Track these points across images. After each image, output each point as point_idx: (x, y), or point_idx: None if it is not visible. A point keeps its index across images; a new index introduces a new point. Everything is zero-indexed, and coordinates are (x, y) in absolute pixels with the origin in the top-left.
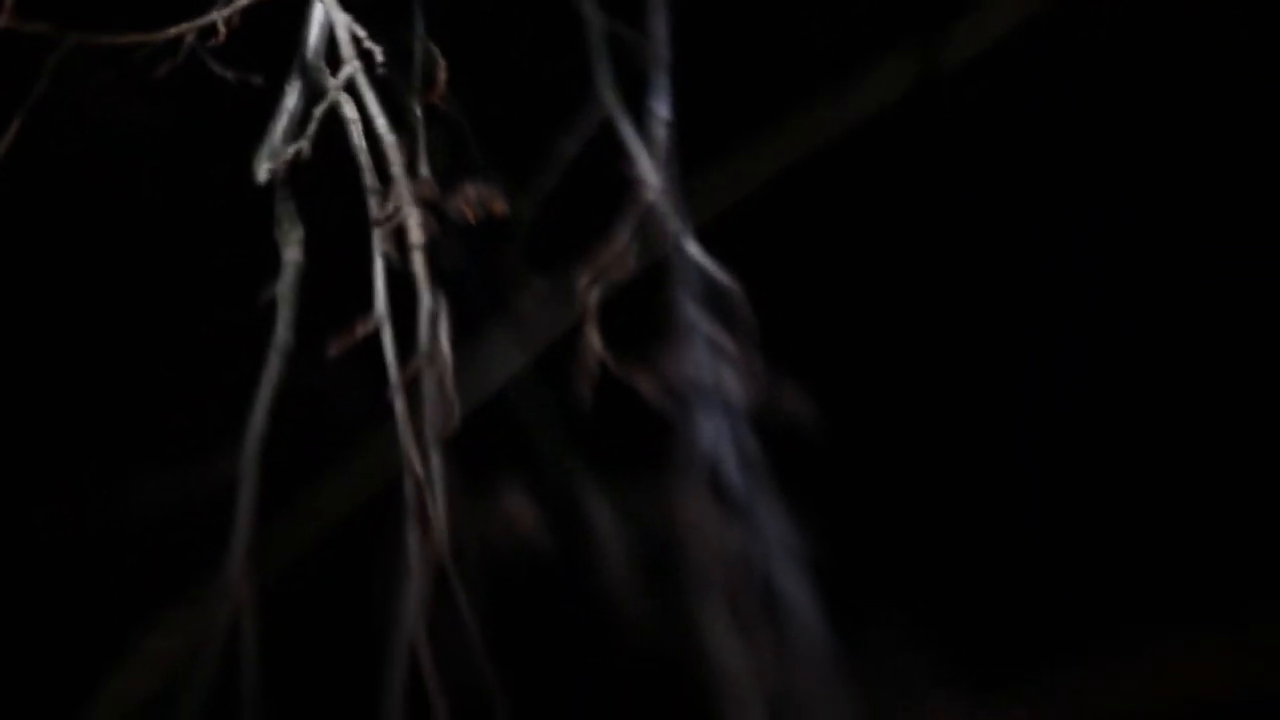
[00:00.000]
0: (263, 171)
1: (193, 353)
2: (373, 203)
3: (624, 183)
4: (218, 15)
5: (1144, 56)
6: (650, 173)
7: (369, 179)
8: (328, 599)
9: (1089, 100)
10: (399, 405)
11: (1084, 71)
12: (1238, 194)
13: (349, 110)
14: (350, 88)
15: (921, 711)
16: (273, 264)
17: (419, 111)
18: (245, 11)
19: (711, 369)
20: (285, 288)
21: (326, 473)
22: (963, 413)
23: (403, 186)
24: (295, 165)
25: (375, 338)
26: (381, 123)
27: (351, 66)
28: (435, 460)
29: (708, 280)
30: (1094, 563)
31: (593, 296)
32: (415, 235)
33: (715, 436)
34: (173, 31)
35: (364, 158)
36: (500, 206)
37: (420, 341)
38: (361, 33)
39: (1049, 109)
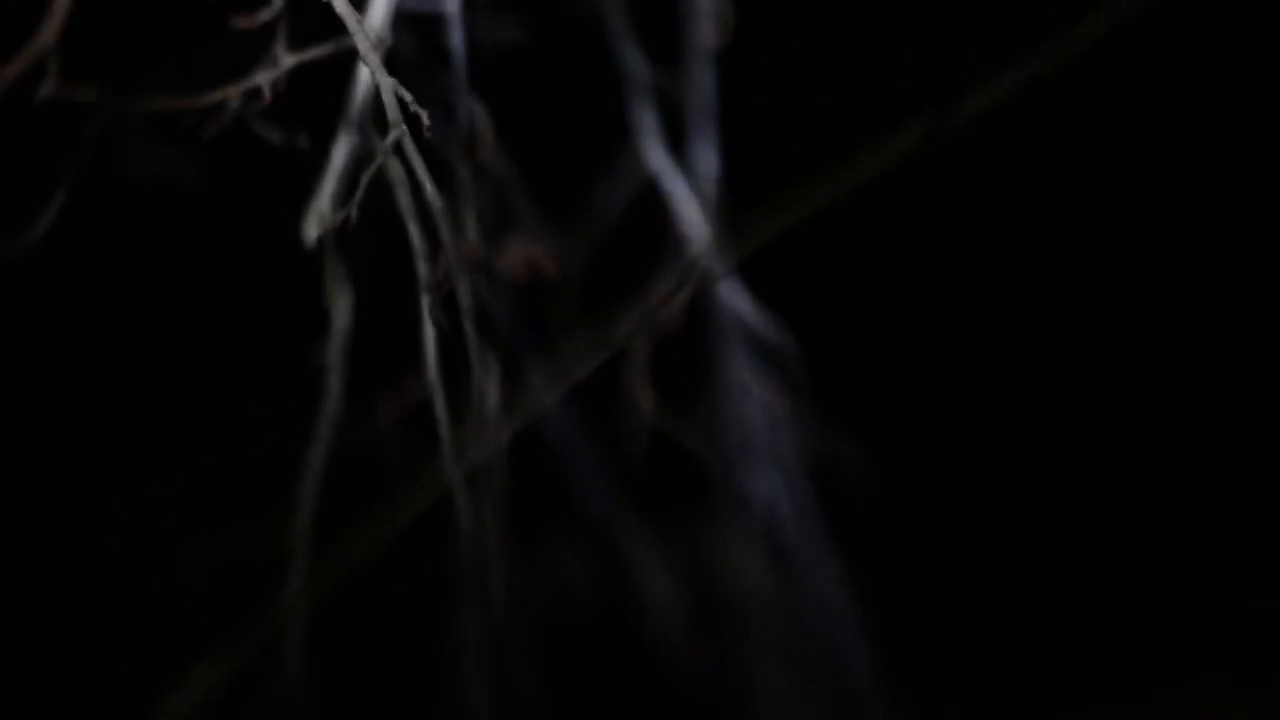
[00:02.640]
0: (311, 235)
1: (244, 416)
2: (422, 267)
3: (671, 234)
4: (263, 79)
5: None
6: (696, 228)
7: (417, 243)
8: (369, 646)
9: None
10: (451, 469)
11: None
12: (1242, 249)
13: (396, 173)
14: (398, 150)
15: None
16: (321, 329)
17: (466, 172)
18: (291, 75)
19: (762, 422)
20: (334, 353)
21: (369, 529)
22: (1014, 452)
23: (451, 250)
24: (343, 229)
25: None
26: (429, 186)
27: (398, 130)
28: (491, 527)
29: (756, 332)
30: (1113, 610)
31: (640, 349)
32: (465, 300)
33: (768, 490)
34: (217, 96)
35: (412, 221)
36: (548, 265)
37: (472, 407)
38: (408, 96)
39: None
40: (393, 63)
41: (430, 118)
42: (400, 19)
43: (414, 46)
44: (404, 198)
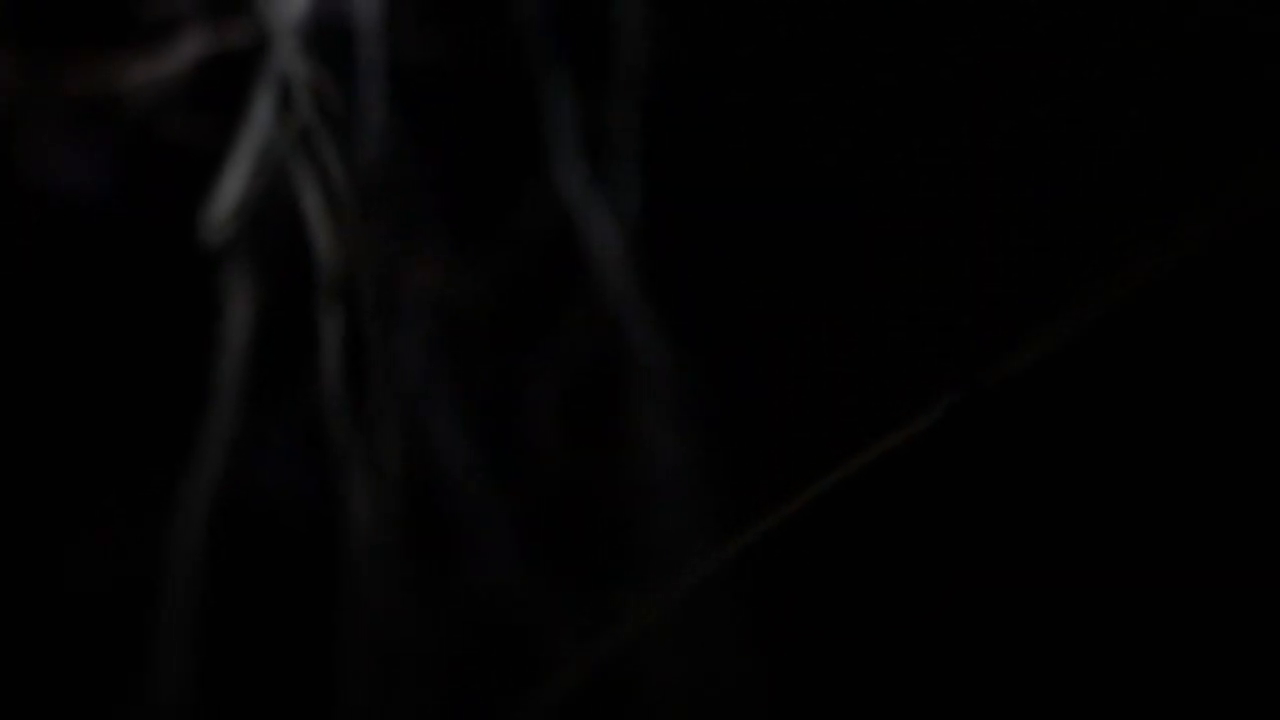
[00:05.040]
0: (211, 233)
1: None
2: (323, 267)
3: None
4: (173, 69)
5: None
6: (611, 257)
7: (321, 241)
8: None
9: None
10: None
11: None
12: None
13: (301, 169)
14: (305, 145)
15: None
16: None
17: (374, 176)
18: (198, 66)
19: (672, 463)
20: (233, 355)
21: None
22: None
23: (356, 249)
24: (248, 228)
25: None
26: (337, 182)
27: (307, 118)
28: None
29: (668, 369)
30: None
31: (549, 382)
32: (368, 299)
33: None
34: (121, 86)
35: (316, 219)
36: (455, 283)
37: (369, 413)
38: (320, 88)
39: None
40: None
41: (344, 113)
42: (318, 32)
43: (330, 60)
44: (309, 194)
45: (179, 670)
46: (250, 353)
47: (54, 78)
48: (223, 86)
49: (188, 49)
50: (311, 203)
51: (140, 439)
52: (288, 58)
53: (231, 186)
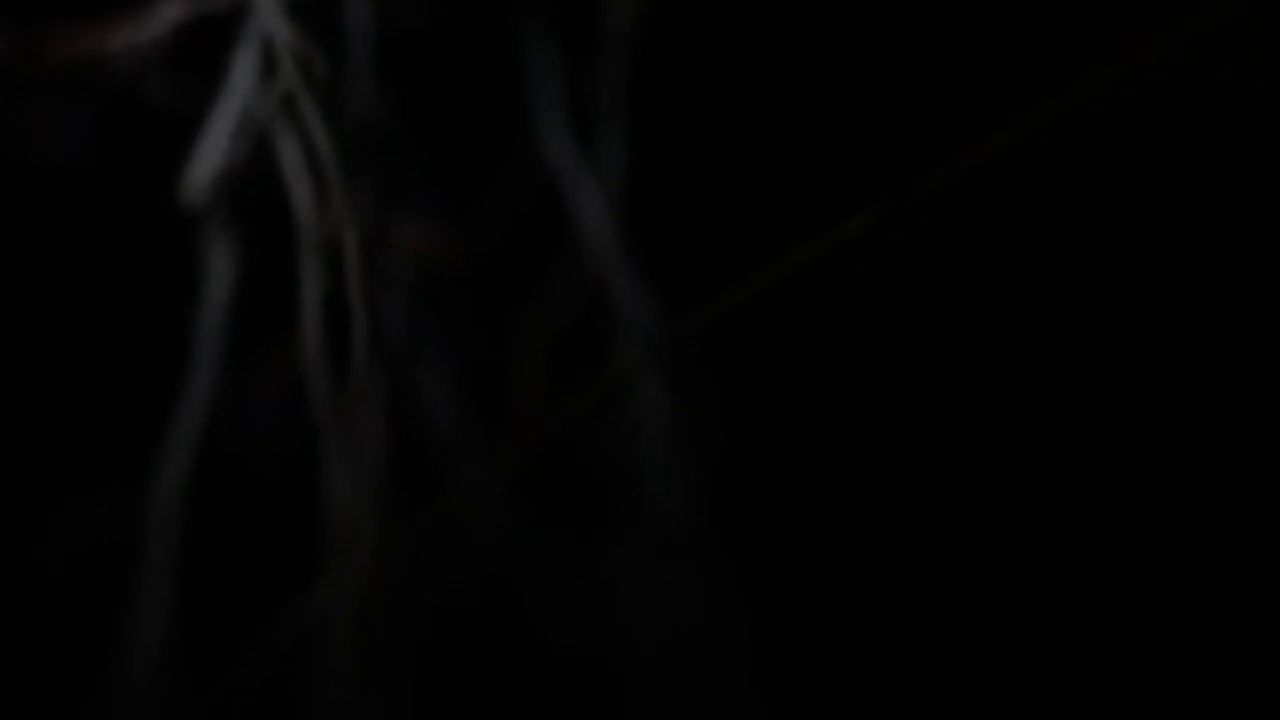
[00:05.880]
0: (191, 196)
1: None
2: (306, 228)
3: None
4: (153, 33)
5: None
6: (597, 223)
7: (304, 203)
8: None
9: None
10: (329, 439)
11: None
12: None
13: (284, 131)
14: (288, 108)
15: None
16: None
17: (358, 137)
18: (179, 29)
19: (658, 427)
20: (211, 320)
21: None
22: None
23: (340, 212)
24: (230, 191)
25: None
26: (320, 145)
27: (291, 81)
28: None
29: (655, 337)
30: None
31: (534, 349)
32: (352, 261)
33: (662, 497)
34: (103, 49)
35: (299, 181)
36: (440, 247)
37: (353, 375)
38: (303, 49)
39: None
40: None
41: (328, 76)
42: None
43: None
44: (292, 157)
45: (159, 630)
46: (231, 314)
47: (35, 42)
48: (205, 49)
49: (169, 11)
50: (294, 165)
51: (121, 401)
52: (270, 19)
53: (213, 149)
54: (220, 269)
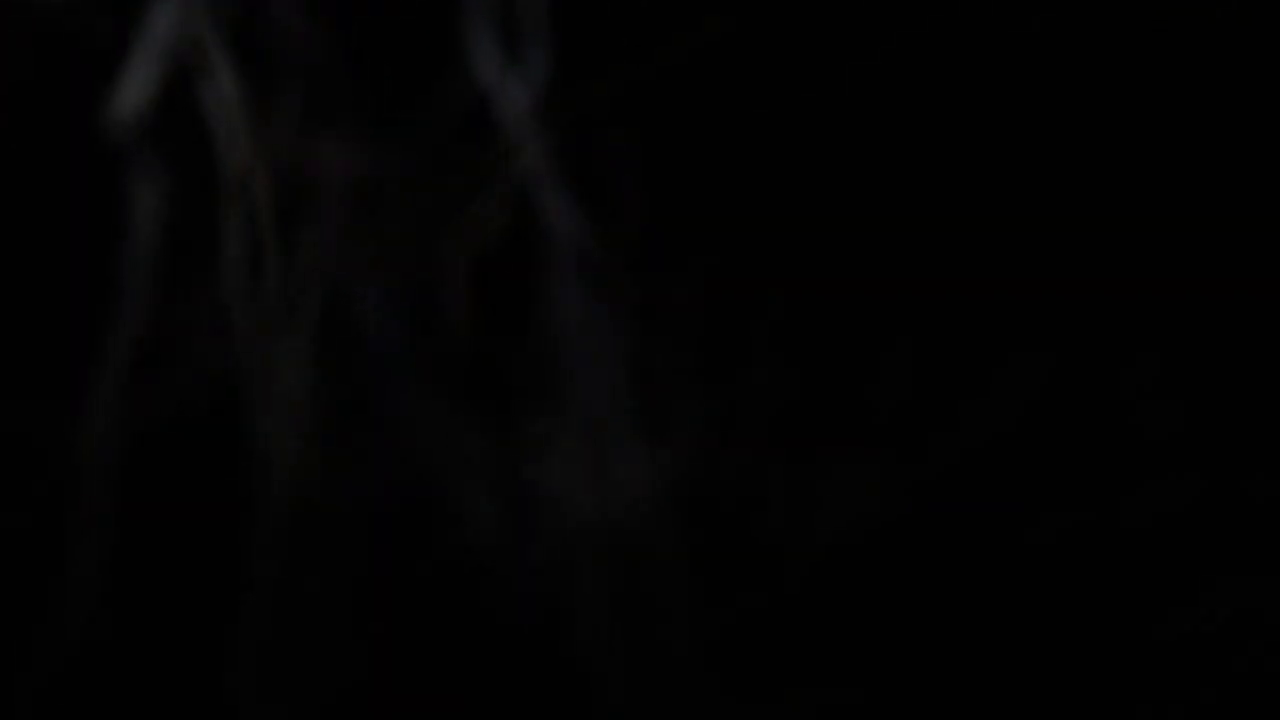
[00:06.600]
0: (116, 126)
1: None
2: (224, 163)
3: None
4: None
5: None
6: (523, 135)
7: (220, 138)
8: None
9: None
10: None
11: None
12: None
13: (200, 63)
14: (211, 33)
15: None
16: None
17: (276, 65)
18: None
19: (586, 332)
20: (138, 252)
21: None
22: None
23: (254, 144)
24: (153, 124)
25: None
26: (234, 76)
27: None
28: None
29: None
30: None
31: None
32: (265, 196)
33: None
34: None
35: (215, 115)
36: (362, 168)
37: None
38: None
39: None
40: None
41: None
42: None
43: None
44: (206, 90)
45: (93, 559)
46: (158, 248)
47: None
48: None
49: None
50: (216, 94)
51: (48, 338)
52: None
53: (135, 81)
54: (146, 199)
